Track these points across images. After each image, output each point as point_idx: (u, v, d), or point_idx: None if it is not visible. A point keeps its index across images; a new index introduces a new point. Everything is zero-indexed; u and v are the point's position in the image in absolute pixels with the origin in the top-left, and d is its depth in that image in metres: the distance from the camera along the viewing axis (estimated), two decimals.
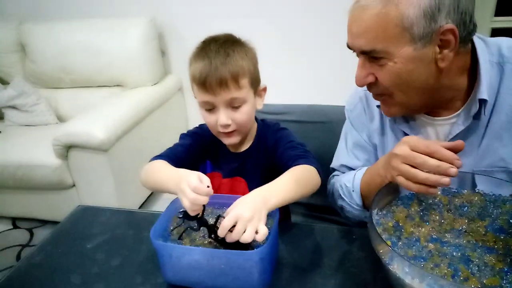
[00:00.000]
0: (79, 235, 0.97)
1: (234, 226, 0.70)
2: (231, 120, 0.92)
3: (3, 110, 2.52)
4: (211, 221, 0.79)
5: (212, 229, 0.75)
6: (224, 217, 0.72)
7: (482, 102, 0.81)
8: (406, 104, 0.85)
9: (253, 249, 0.73)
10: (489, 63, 0.82)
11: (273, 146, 1.01)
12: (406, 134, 0.93)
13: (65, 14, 2.70)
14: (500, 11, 2.28)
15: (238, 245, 0.71)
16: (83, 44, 2.48)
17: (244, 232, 0.69)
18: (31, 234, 2.29)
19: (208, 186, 0.72)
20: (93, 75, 2.53)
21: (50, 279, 0.84)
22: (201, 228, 0.76)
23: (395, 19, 0.73)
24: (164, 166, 0.90)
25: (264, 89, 1.01)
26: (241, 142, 1.03)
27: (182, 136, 1.05)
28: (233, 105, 0.92)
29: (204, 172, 1.07)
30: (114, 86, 2.57)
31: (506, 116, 0.82)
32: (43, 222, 2.35)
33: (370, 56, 0.80)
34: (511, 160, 0.83)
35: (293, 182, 0.82)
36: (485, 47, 0.84)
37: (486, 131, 0.84)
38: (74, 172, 2.10)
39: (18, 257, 2.11)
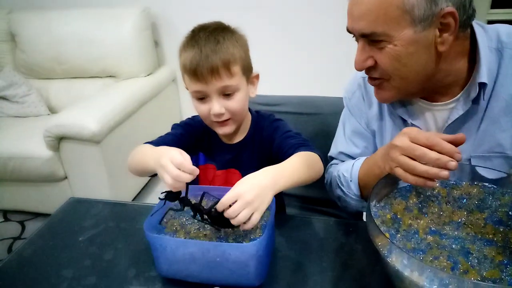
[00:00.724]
0: (71, 227, 0.95)
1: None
2: (225, 109, 0.91)
3: None
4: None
5: (197, 209, 0.74)
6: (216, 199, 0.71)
7: (482, 86, 0.81)
8: (403, 88, 0.84)
9: (240, 231, 0.73)
10: (488, 48, 0.82)
11: (269, 137, 1.00)
12: (404, 120, 0.93)
13: (57, 3, 2.64)
14: (496, 4, 2.27)
15: (225, 224, 0.71)
16: (75, 34, 2.44)
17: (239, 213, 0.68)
18: (23, 227, 2.26)
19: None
20: (85, 66, 2.49)
21: (41, 272, 0.82)
22: (195, 217, 0.75)
23: (396, 1, 0.73)
24: (147, 148, 0.90)
25: (257, 77, 0.99)
26: (235, 133, 1.01)
27: (174, 126, 1.03)
28: (226, 93, 0.90)
29: (197, 164, 1.06)
30: (107, 77, 2.53)
31: (504, 101, 0.82)
32: (35, 215, 2.32)
33: (370, 39, 0.79)
34: (509, 145, 0.83)
35: (301, 164, 0.82)
36: (484, 33, 0.84)
37: (484, 116, 0.84)
38: (66, 164, 2.07)
39: (9, 250, 2.09)
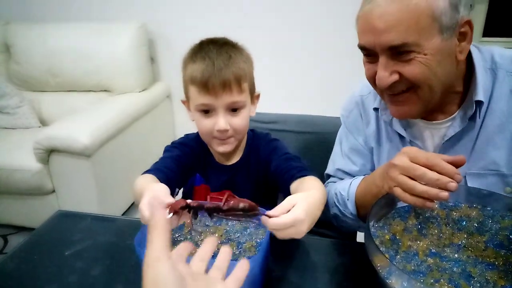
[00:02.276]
0: (57, 241, 0.92)
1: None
2: (229, 125, 0.88)
3: None
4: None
5: (213, 209, 0.65)
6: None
7: (478, 104, 0.82)
8: (429, 100, 0.81)
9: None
10: (483, 68, 0.84)
11: (266, 158, 0.97)
12: (401, 139, 0.93)
13: (54, 17, 2.64)
14: (487, 32, 2.33)
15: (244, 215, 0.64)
16: (71, 48, 2.43)
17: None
18: (5, 241, 2.19)
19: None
20: (80, 79, 2.47)
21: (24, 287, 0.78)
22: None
23: (426, 10, 0.73)
24: (140, 183, 0.81)
25: (258, 96, 0.98)
26: (232, 153, 0.98)
27: (168, 149, 0.98)
28: (233, 109, 0.88)
29: (193, 184, 1.03)
30: (101, 91, 2.51)
31: (498, 119, 0.84)
32: (19, 229, 2.25)
33: (395, 52, 0.77)
34: (503, 163, 0.84)
35: (318, 192, 0.75)
36: (479, 53, 0.86)
37: (479, 134, 0.85)
38: (54, 177, 2.03)
39: None
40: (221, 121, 0.87)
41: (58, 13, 2.65)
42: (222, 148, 0.92)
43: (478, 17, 2.28)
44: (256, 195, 0.77)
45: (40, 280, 0.80)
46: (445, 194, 0.64)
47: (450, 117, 0.87)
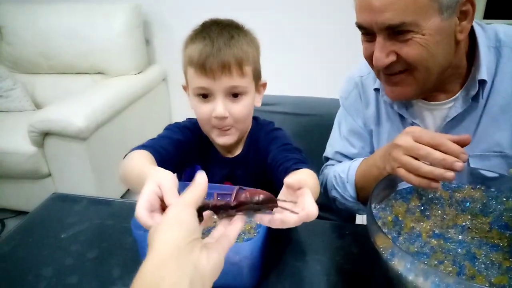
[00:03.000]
0: (53, 224, 0.90)
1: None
2: (228, 113, 0.82)
3: None
4: None
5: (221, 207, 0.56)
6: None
7: (481, 83, 0.80)
8: (425, 81, 0.80)
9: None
10: (487, 47, 0.82)
11: (265, 147, 0.91)
12: (402, 118, 0.91)
13: None
14: (489, 14, 2.30)
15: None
16: (64, 29, 2.37)
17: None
18: (3, 225, 2.19)
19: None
20: (73, 62, 2.43)
21: (18, 271, 0.77)
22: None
23: None
24: (136, 163, 0.74)
25: (264, 85, 0.91)
26: (235, 145, 0.92)
27: (170, 127, 0.92)
28: (233, 94, 0.82)
29: (191, 177, 0.98)
30: (96, 73, 2.47)
31: (503, 99, 0.82)
32: (16, 213, 2.24)
33: (393, 32, 0.75)
34: (507, 144, 0.82)
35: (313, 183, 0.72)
36: (483, 31, 0.83)
37: (482, 114, 0.83)
38: (50, 161, 2.01)
39: None
40: (219, 106, 0.81)
41: None
42: (222, 140, 0.86)
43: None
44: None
45: (35, 263, 0.79)
46: (451, 174, 0.62)
47: (452, 98, 0.85)
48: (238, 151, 0.94)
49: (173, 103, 2.76)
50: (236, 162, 0.94)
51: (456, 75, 0.84)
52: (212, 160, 0.94)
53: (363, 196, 0.92)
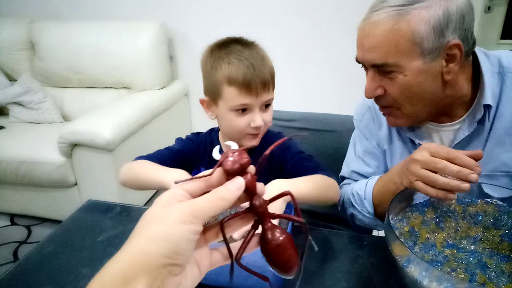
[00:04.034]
0: (89, 228, 0.97)
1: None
2: (263, 122, 0.93)
3: (9, 106, 2.52)
4: None
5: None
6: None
7: (487, 107, 0.85)
8: (413, 115, 0.88)
9: None
10: (491, 73, 0.87)
11: (280, 155, 1.00)
12: (412, 141, 0.96)
13: (77, 15, 2.73)
14: (506, 34, 2.33)
15: None
16: (93, 45, 2.50)
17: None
18: (29, 232, 2.27)
19: None
20: (101, 76, 2.54)
21: (60, 269, 0.84)
22: None
23: (407, 35, 0.77)
24: (149, 166, 0.92)
25: None
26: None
27: (177, 140, 1.06)
28: (267, 104, 0.93)
29: None
30: (121, 88, 2.58)
31: (508, 122, 0.86)
32: (42, 220, 2.33)
33: (380, 70, 0.83)
34: None
35: (311, 183, 0.84)
36: (486, 58, 0.88)
37: (488, 137, 0.88)
38: (77, 171, 2.10)
39: (14, 254, 2.09)
40: (258, 118, 0.91)
41: (81, 11, 2.74)
42: (252, 143, 0.96)
43: (496, 20, 2.28)
44: None
45: (75, 263, 0.85)
46: (466, 185, 0.67)
47: (459, 120, 0.90)
48: None
49: (194, 117, 2.86)
50: None
51: (459, 102, 0.88)
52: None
53: (381, 212, 0.97)
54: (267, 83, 0.90)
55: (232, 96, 0.90)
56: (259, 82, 0.88)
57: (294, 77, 2.51)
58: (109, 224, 0.98)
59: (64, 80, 2.62)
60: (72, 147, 2.03)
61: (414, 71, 0.80)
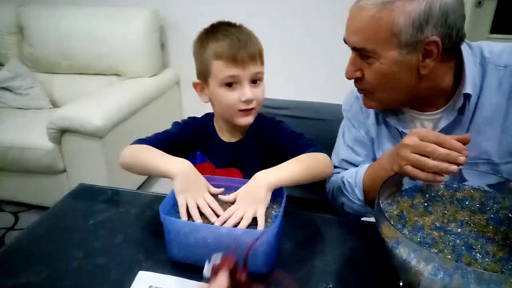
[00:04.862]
0: (81, 212, 0.97)
1: None
2: (254, 96, 0.94)
3: None
4: None
5: None
6: None
7: (466, 97, 0.87)
8: (386, 101, 0.92)
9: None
10: (473, 63, 0.89)
11: (274, 138, 1.03)
12: (397, 128, 0.98)
13: (67, 0, 2.68)
14: (495, 29, 2.36)
15: None
16: (83, 31, 2.47)
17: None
18: (16, 218, 2.25)
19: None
20: (91, 63, 2.51)
21: (51, 251, 0.84)
22: None
23: (386, 24, 0.79)
24: (153, 152, 0.92)
25: None
26: (235, 131, 1.04)
27: (174, 124, 1.07)
28: (255, 80, 0.94)
29: (193, 163, 1.08)
30: (112, 75, 2.55)
31: (488, 112, 0.88)
32: (29, 207, 2.31)
33: (361, 54, 0.86)
34: (494, 153, 0.89)
35: (298, 164, 0.87)
36: (470, 50, 0.90)
37: (470, 126, 0.90)
38: (66, 157, 2.09)
39: (1, 240, 2.07)
40: (248, 91, 0.93)
41: None
42: (245, 120, 0.97)
43: (487, 14, 2.31)
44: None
45: (67, 245, 0.85)
46: (454, 167, 0.70)
47: (440, 110, 0.93)
48: (238, 137, 1.05)
49: (185, 105, 2.85)
50: (240, 146, 1.05)
51: (441, 92, 0.91)
52: (215, 145, 1.06)
53: (371, 199, 0.99)
54: (254, 56, 0.92)
55: (219, 69, 0.93)
56: (245, 54, 0.90)
57: (286, 66, 2.51)
58: (100, 208, 0.98)
59: (53, 66, 2.58)
60: (61, 133, 2.01)
61: (390, 60, 0.82)
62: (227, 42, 0.91)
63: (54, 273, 0.78)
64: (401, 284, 0.69)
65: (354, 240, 0.88)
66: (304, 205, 1.42)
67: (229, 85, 0.93)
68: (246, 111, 0.96)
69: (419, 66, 0.83)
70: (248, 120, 0.97)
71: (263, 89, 0.97)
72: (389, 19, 0.79)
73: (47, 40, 2.51)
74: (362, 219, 1.37)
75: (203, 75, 0.97)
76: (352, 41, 0.86)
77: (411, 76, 0.85)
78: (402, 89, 0.87)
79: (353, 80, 0.93)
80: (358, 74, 0.89)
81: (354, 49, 0.87)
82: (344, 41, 0.90)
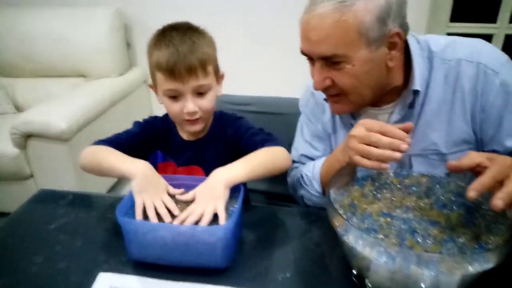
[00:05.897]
0: (41, 217, 0.97)
1: None
2: (198, 107, 0.93)
3: None
4: None
5: None
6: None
7: (416, 93, 0.90)
8: (359, 102, 0.92)
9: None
10: (421, 57, 0.91)
11: (234, 135, 1.04)
12: (353, 125, 1.00)
13: (27, 1, 2.61)
14: (455, 17, 2.41)
15: None
16: (44, 32, 2.41)
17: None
18: None
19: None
20: (55, 65, 2.47)
21: (10, 258, 0.83)
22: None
23: (354, 26, 0.80)
24: (112, 153, 0.92)
25: (222, 76, 1.02)
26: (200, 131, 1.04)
27: (134, 123, 1.06)
28: (199, 92, 0.93)
29: (155, 162, 1.09)
30: (77, 76, 2.51)
31: (435, 104, 0.92)
32: None
33: (329, 61, 0.85)
34: (441, 143, 0.93)
35: (255, 160, 0.88)
36: (417, 44, 0.93)
37: (419, 119, 0.94)
38: (32, 162, 2.04)
39: None
40: (190, 105, 0.92)
41: None
42: (192, 128, 0.98)
43: (446, 2, 2.36)
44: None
45: (27, 250, 0.85)
46: (398, 154, 0.73)
47: (392, 104, 0.96)
48: (200, 135, 1.05)
49: (154, 104, 2.83)
50: (201, 144, 1.05)
51: (393, 89, 0.93)
52: (176, 144, 1.06)
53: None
54: (194, 69, 0.89)
55: (161, 81, 0.92)
56: (182, 68, 0.88)
57: (247, 61, 2.53)
58: (61, 212, 0.98)
59: (15, 70, 2.52)
60: (26, 138, 1.97)
61: (361, 60, 0.83)
62: (166, 54, 0.89)
63: (13, 279, 0.78)
64: (354, 272, 0.72)
65: (314, 230, 0.91)
66: (269, 198, 1.45)
67: (173, 97, 0.93)
68: (192, 121, 0.96)
69: (386, 60, 0.85)
70: (195, 128, 0.98)
71: (211, 98, 0.96)
72: (354, 20, 0.79)
73: (7, 43, 2.45)
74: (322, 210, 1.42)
75: (153, 80, 0.97)
76: (318, 51, 0.85)
77: (381, 71, 0.87)
78: (375, 86, 0.89)
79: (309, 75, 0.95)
80: (327, 82, 0.88)
81: (322, 58, 0.85)
82: (303, 53, 0.90)
